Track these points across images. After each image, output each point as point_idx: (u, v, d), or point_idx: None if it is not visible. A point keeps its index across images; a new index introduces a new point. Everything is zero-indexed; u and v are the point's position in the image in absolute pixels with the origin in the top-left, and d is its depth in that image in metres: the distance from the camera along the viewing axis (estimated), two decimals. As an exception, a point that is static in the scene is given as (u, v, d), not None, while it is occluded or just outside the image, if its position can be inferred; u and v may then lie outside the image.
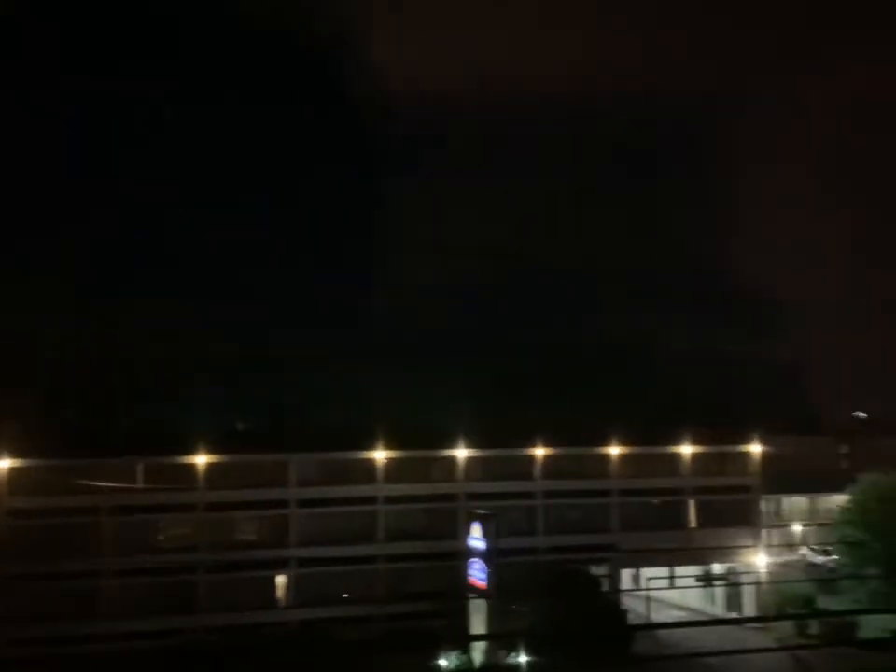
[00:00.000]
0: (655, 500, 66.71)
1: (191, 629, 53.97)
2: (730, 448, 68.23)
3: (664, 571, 66.04)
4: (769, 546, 67.99)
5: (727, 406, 74.18)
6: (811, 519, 74.10)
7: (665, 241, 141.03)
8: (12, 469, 54.11)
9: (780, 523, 73.73)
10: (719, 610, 66.83)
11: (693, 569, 67.12)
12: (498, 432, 63.52)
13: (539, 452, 63.64)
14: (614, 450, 64.92)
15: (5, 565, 50.88)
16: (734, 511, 66.96)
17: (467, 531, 54.92)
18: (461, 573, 54.55)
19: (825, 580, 64.57)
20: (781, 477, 69.27)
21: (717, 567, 67.89)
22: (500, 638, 49.99)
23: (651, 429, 66.51)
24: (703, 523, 66.62)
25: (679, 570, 67.12)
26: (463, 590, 53.54)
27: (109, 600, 54.14)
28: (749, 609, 64.84)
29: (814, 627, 57.39)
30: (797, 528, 74.55)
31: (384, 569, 59.19)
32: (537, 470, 63.83)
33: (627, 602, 62.15)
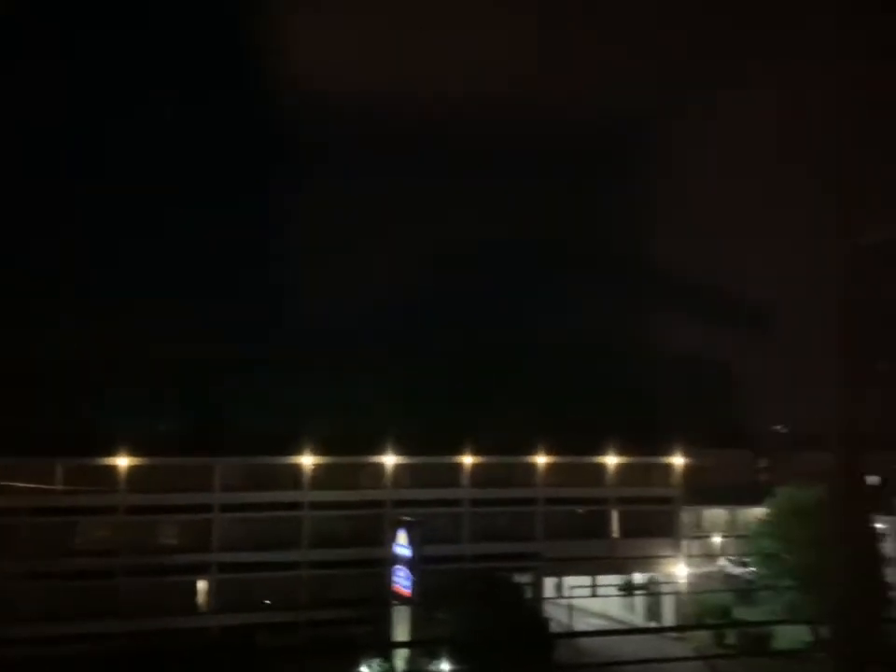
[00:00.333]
0: (580, 510, 67.54)
1: (112, 634, 52.78)
2: (653, 459, 69.38)
3: (586, 580, 66.87)
4: (689, 557, 69.27)
5: (652, 418, 75.25)
6: (730, 531, 75.56)
7: (591, 241, 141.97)
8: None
9: (700, 534, 75.04)
10: (639, 620, 67.88)
11: (615, 579, 68.06)
12: (426, 439, 63.58)
13: (467, 460, 63.92)
14: (540, 459, 65.53)
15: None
16: (655, 521, 68.14)
17: (392, 538, 54.94)
18: (386, 580, 54.50)
19: (742, 590, 65.92)
20: (702, 489, 70.79)
21: (638, 577, 68.87)
22: (423, 646, 49.93)
23: (576, 439, 67.14)
24: (625, 532, 67.62)
25: (602, 579, 67.94)
26: (387, 597, 53.48)
27: (26, 604, 52.70)
28: (668, 618, 65.98)
29: (731, 637, 58.62)
30: (717, 540, 76.04)
31: (307, 576, 58.79)
32: (464, 478, 64.11)
33: (550, 610, 62.66)
